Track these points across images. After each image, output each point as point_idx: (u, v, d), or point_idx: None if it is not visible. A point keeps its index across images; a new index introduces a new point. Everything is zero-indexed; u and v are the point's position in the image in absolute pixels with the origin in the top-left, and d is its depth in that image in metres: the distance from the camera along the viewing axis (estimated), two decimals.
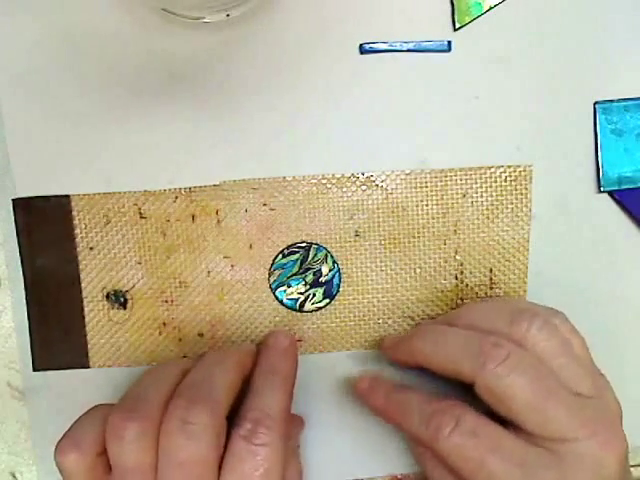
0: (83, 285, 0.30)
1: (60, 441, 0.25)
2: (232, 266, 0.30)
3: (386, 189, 0.30)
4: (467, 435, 0.24)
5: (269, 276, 0.30)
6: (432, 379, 0.31)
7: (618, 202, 0.30)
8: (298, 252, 0.30)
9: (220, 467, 0.24)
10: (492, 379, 0.24)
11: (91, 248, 0.30)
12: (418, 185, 0.30)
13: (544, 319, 0.25)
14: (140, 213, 0.30)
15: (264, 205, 0.30)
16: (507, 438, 0.24)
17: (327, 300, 0.30)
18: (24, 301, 0.30)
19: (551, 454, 0.23)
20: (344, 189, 0.30)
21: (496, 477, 0.23)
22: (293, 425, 0.29)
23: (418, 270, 0.30)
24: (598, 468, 0.23)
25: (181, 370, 0.26)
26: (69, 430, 0.25)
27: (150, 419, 0.24)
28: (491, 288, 0.31)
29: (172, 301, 0.30)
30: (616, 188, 0.30)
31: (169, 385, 0.25)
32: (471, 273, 0.30)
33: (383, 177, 0.30)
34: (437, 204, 0.30)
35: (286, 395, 0.26)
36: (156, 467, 0.24)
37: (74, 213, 0.30)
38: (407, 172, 0.30)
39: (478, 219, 0.30)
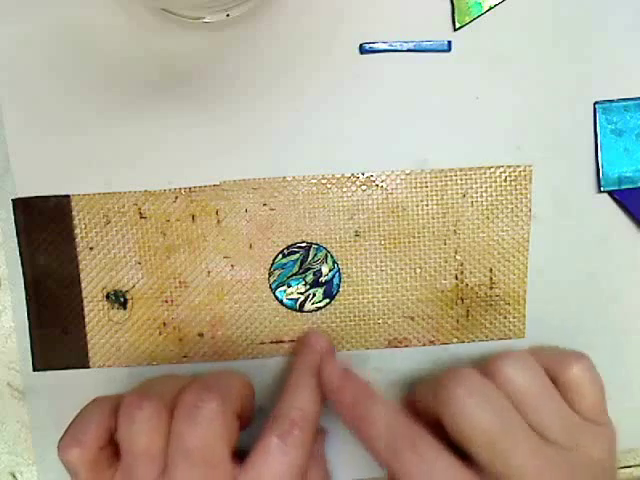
0: (83, 285, 0.30)
1: (62, 438, 0.25)
2: (232, 266, 0.30)
3: (386, 189, 0.30)
4: (416, 462, 0.24)
5: (269, 276, 0.30)
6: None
7: (618, 202, 0.30)
8: (298, 252, 0.30)
9: (241, 461, 0.24)
10: (450, 405, 0.24)
11: (91, 248, 0.30)
12: (418, 185, 0.30)
13: (524, 359, 0.25)
14: (140, 213, 0.30)
15: (264, 205, 0.30)
16: (453, 469, 0.24)
17: (327, 300, 0.30)
18: (24, 301, 0.30)
19: None
20: (344, 189, 0.30)
21: None
22: (319, 435, 0.29)
23: (418, 270, 0.30)
24: None
25: (186, 379, 0.26)
26: (70, 426, 0.25)
27: (163, 402, 0.24)
28: (491, 288, 0.31)
29: (172, 301, 0.30)
30: (616, 188, 0.30)
31: (180, 382, 0.26)
32: (471, 273, 0.30)
33: (383, 177, 0.30)
34: (437, 204, 0.30)
35: (321, 399, 0.27)
36: (166, 453, 0.24)
37: (74, 213, 0.30)
38: (407, 172, 0.30)
39: (478, 219, 0.30)
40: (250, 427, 0.27)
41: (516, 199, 0.30)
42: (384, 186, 0.30)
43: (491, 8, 0.29)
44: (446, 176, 0.30)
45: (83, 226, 0.30)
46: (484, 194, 0.30)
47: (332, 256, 0.30)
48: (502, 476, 0.23)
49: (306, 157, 0.30)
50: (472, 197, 0.30)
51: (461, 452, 0.24)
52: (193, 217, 0.30)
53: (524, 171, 0.30)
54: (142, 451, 0.24)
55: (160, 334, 0.30)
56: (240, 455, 0.25)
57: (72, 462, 0.24)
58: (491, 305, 0.31)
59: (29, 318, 0.30)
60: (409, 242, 0.30)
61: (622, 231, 0.31)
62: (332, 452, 0.31)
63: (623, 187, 0.30)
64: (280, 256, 0.30)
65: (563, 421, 0.25)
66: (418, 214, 0.30)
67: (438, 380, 0.26)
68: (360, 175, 0.30)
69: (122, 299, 0.30)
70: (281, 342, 0.31)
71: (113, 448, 0.25)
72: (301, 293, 0.30)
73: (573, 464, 0.24)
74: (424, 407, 0.27)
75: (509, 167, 0.30)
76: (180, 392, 0.25)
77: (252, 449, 0.25)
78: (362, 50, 0.29)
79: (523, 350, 0.27)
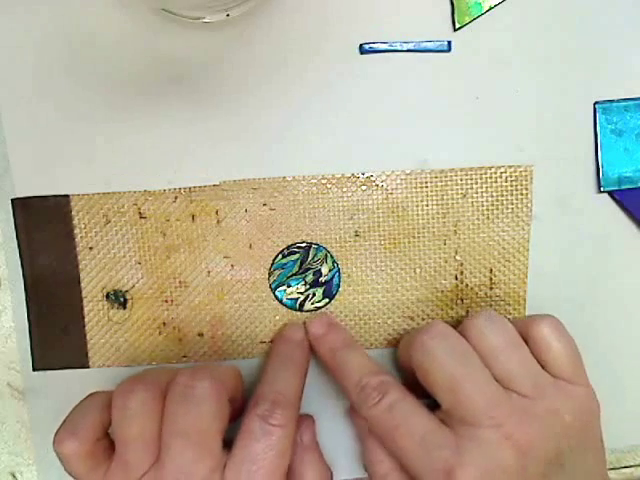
0: (83, 285, 0.30)
1: (58, 430, 0.25)
2: (232, 266, 0.30)
3: (386, 189, 0.30)
4: (385, 409, 0.26)
5: (269, 276, 0.30)
6: None
7: (618, 202, 0.30)
8: (298, 252, 0.30)
9: (230, 445, 0.25)
10: (419, 350, 0.26)
11: (91, 248, 0.30)
12: (418, 185, 0.30)
13: (495, 316, 0.26)
14: (140, 213, 0.30)
15: (264, 205, 0.30)
16: (419, 417, 0.25)
17: (327, 300, 0.30)
18: (24, 301, 0.30)
19: (452, 435, 0.24)
20: (344, 189, 0.30)
21: (401, 450, 0.25)
22: (305, 423, 0.29)
23: (418, 270, 0.30)
24: (491, 458, 0.24)
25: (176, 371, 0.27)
26: (66, 419, 0.26)
27: (157, 386, 0.25)
28: (491, 288, 0.31)
29: (172, 301, 0.30)
30: (616, 188, 0.30)
31: (172, 372, 0.26)
32: (471, 273, 0.30)
33: (383, 177, 0.30)
34: (437, 204, 0.30)
35: (300, 382, 0.27)
36: (159, 439, 0.24)
37: (73, 213, 0.30)
38: (407, 172, 0.30)
39: (478, 219, 0.30)
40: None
41: (516, 199, 0.30)
42: (384, 186, 0.30)
43: (491, 8, 0.29)
44: (446, 176, 0.30)
45: (83, 226, 0.30)
46: (484, 194, 0.30)
47: (332, 256, 0.30)
48: (463, 421, 0.24)
49: (306, 157, 0.30)
50: (472, 197, 0.30)
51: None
52: (193, 217, 0.30)
53: (524, 171, 0.30)
54: (136, 437, 0.24)
55: (160, 334, 0.30)
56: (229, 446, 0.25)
57: (68, 454, 0.25)
58: (491, 305, 0.31)
59: (29, 318, 0.30)
60: (409, 242, 0.30)
61: (622, 231, 0.31)
62: (332, 451, 0.31)
63: (623, 187, 0.30)
64: (280, 256, 0.30)
65: (529, 373, 0.25)
66: (418, 214, 0.30)
67: (413, 332, 0.27)
68: (360, 175, 0.30)
69: (122, 299, 0.30)
70: None
71: (109, 441, 0.26)
72: (301, 293, 0.30)
73: (536, 415, 0.25)
74: (404, 363, 0.29)
75: (509, 167, 0.30)
76: (172, 377, 0.25)
77: (237, 434, 0.25)
78: (362, 50, 0.29)
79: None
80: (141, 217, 0.30)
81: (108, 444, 0.26)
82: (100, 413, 0.25)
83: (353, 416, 0.30)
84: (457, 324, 0.29)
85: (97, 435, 0.25)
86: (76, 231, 0.30)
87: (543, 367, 0.26)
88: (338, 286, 0.30)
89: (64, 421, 0.26)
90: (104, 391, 0.27)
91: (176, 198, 0.30)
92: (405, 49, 0.29)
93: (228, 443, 0.25)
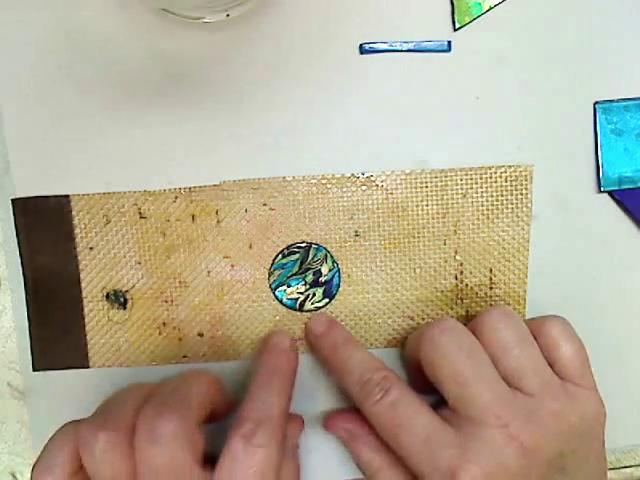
0: (83, 285, 0.30)
1: (34, 467, 0.25)
2: (232, 266, 0.30)
3: (386, 189, 0.30)
4: (387, 407, 0.25)
5: (269, 276, 0.30)
6: None
7: (618, 202, 0.30)
8: (298, 252, 0.30)
9: (213, 465, 0.24)
10: (428, 344, 0.26)
11: (91, 248, 0.30)
12: (418, 185, 0.30)
13: (508, 312, 0.27)
14: (140, 213, 0.30)
15: (264, 205, 0.30)
16: (423, 415, 0.25)
17: (327, 300, 0.30)
18: (24, 301, 0.30)
19: (457, 433, 0.24)
20: (344, 189, 0.30)
21: (403, 447, 0.25)
22: (292, 425, 0.29)
23: (418, 270, 0.30)
24: (496, 458, 0.23)
25: (147, 391, 0.26)
26: (41, 454, 0.25)
27: (120, 428, 0.24)
28: (491, 288, 0.31)
29: (172, 301, 0.30)
30: (616, 188, 0.30)
31: (138, 400, 0.25)
32: (471, 273, 0.30)
33: (383, 177, 0.30)
34: (437, 204, 0.30)
35: (286, 396, 0.27)
36: (136, 473, 0.24)
37: (74, 213, 0.30)
38: (407, 172, 0.30)
39: (478, 219, 0.30)
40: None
41: (516, 199, 0.30)
42: (384, 186, 0.30)
43: (491, 8, 0.29)
44: (446, 176, 0.30)
45: (83, 226, 0.30)
46: (484, 194, 0.30)
47: (332, 256, 0.30)
48: (468, 418, 0.24)
49: (306, 157, 0.30)
50: (472, 197, 0.30)
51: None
52: (193, 217, 0.30)
53: (524, 171, 0.30)
54: (110, 477, 0.24)
55: (160, 334, 0.30)
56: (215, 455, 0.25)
57: None
58: (491, 305, 0.31)
59: (29, 318, 0.30)
60: (409, 242, 0.30)
61: (622, 231, 0.31)
62: (331, 451, 0.31)
63: (623, 187, 0.30)
64: (280, 256, 0.30)
65: (538, 371, 0.25)
66: (418, 214, 0.30)
67: (422, 328, 0.27)
68: (360, 175, 0.30)
69: (122, 299, 0.30)
70: None
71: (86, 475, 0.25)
72: (301, 293, 0.30)
73: (541, 416, 0.24)
74: (410, 360, 0.29)
75: (509, 167, 0.30)
76: (138, 413, 0.24)
77: (221, 454, 0.24)
78: (362, 50, 0.29)
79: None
80: (141, 217, 0.30)
81: (87, 475, 0.25)
82: (73, 446, 0.25)
83: (331, 426, 0.29)
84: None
85: (73, 468, 0.24)
86: (76, 231, 0.30)
87: (551, 368, 0.26)
88: (338, 286, 0.30)
89: (39, 456, 0.25)
90: (76, 420, 0.26)
91: (176, 198, 0.30)
92: (405, 49, 0.29)
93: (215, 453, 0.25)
